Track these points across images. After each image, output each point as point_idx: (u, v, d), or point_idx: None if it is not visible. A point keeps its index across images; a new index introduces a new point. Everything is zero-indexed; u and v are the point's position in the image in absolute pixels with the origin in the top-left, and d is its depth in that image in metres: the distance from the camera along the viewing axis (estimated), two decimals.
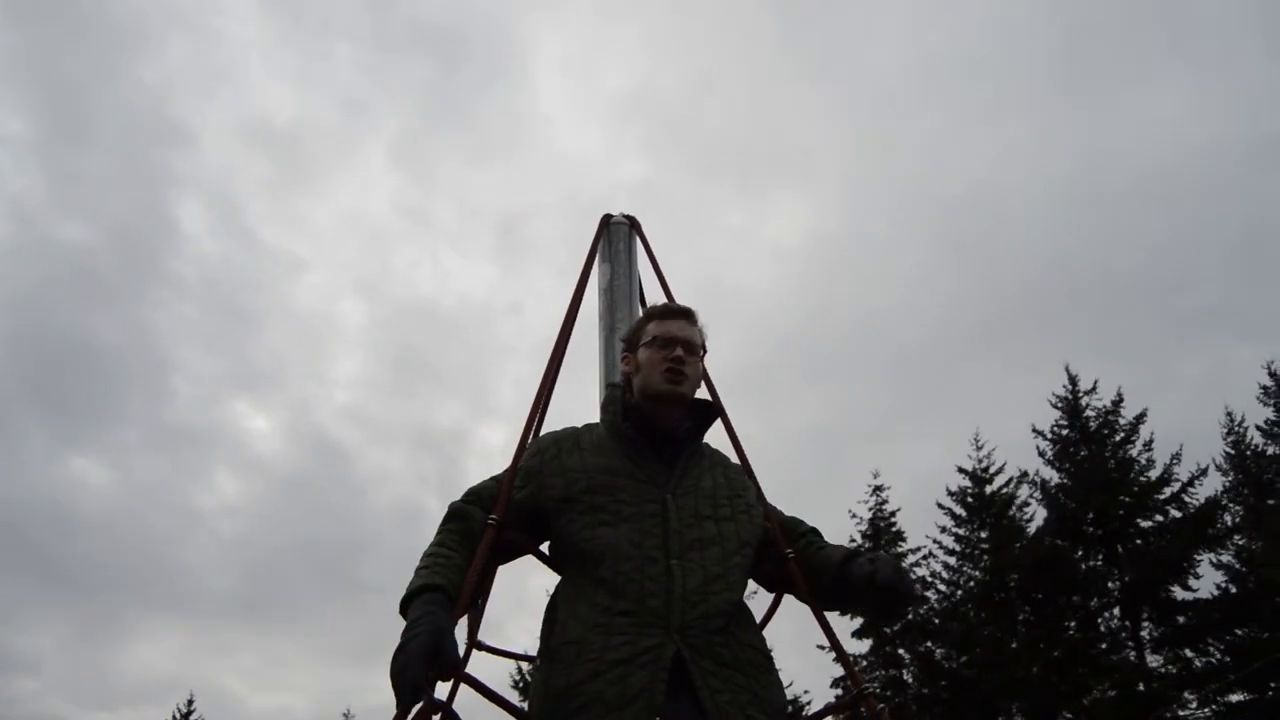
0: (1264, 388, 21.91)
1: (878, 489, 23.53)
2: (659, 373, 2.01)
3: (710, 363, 2.21)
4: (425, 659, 1.57)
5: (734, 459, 2.27)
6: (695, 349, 2.08)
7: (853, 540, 22.57)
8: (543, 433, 2.20)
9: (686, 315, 2.13)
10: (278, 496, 52.72)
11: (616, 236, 2.84)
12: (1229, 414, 22.11)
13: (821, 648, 20.19)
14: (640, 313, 2.55)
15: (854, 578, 1.92)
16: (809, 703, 22.16)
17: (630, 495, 1.89)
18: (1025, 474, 21.84)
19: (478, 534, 1.91)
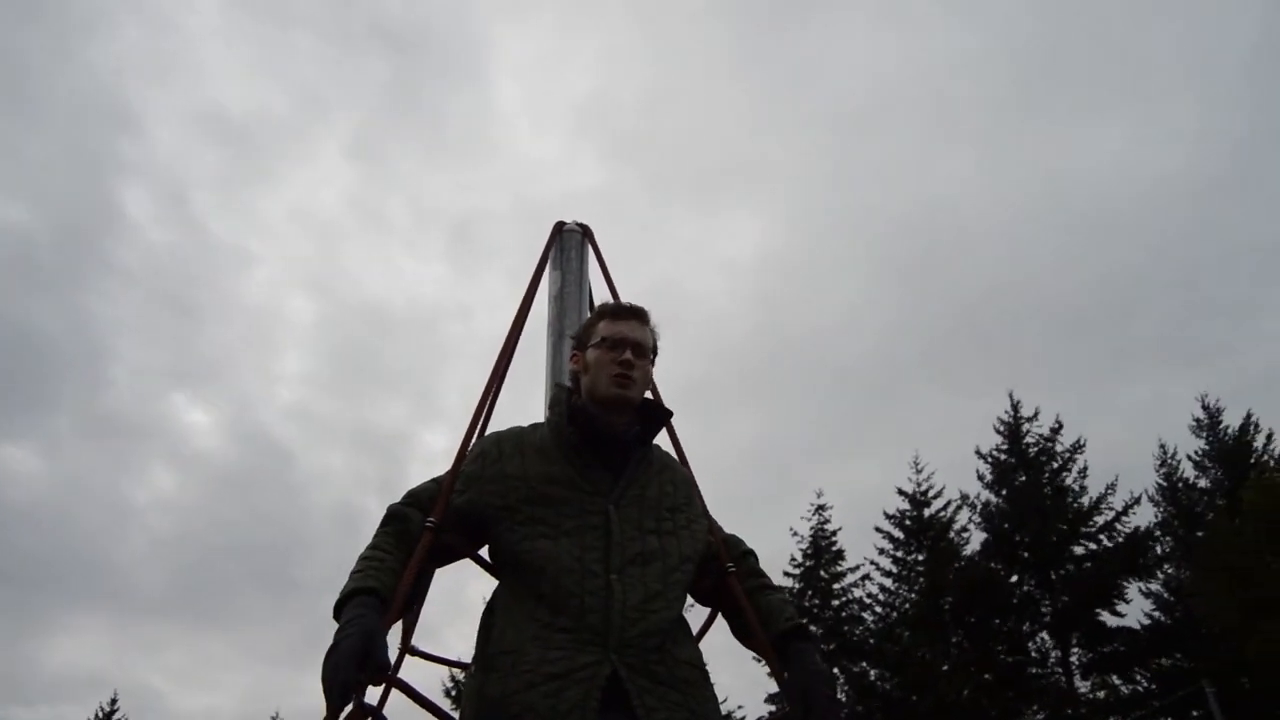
0: (1196, 419, 22.84)
1: (820, 508, 23.91)
2: (606, 375, 2.01)
3: (657, 371, 2.23)
4: (356, 661, 1.59)
5: None
6: (646, 351, 2.08)
7: (793, 560, 22.87)
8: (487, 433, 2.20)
9: (639, 315, 2.12)
10: (214, 493, 52.13)
11: (569, 244, 2.88)
12: (1162, 446, 23.01)
13: (758, 660, 20.41)
14: None
15: (783, 684, 1.98)
16: (743, 718, 22.37)
17: (572, 507, 1.89)
18: (965, 496, 22.40)
19: (415, 536, 1.92)
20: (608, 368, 2.02)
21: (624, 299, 2.72)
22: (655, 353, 2.15)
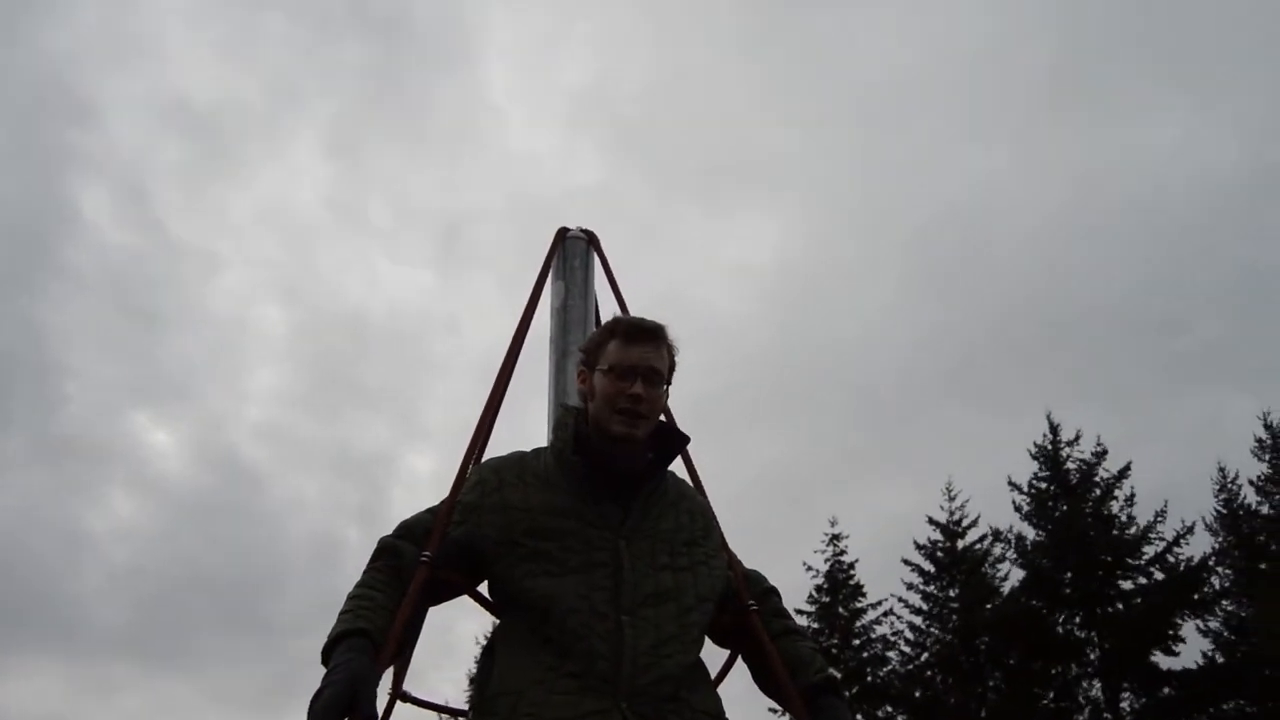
0: (1259, 440, 22.24)
1: (835, 538, 23.80)
2: (612, 410, 1.97)
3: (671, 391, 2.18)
4: (339, 710, 1.59)
5: None
6: (659, 379, 2.01)
7: (810, 596, 22.76)
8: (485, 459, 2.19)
9: (655, 337, 2.04)
10: (178, 521, 51.65)
11: (572, 252, 2.88)
12: (1221, 469, 22.59)
13: (774, 711, 20.28)
14: None
15: None
16: None
17: (578, 541, 1.88)
18: (999, 532, 22.24)
19: (408, 572, 1.90)
20: (614, 400, 1.97)
21: (630, 309, 2.74)
22: (672, 373, 2.09)
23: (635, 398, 1.96)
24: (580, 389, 2.11)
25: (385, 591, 1.86)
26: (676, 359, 2.11)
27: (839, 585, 23.08)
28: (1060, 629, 20.73)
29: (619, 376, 1.98)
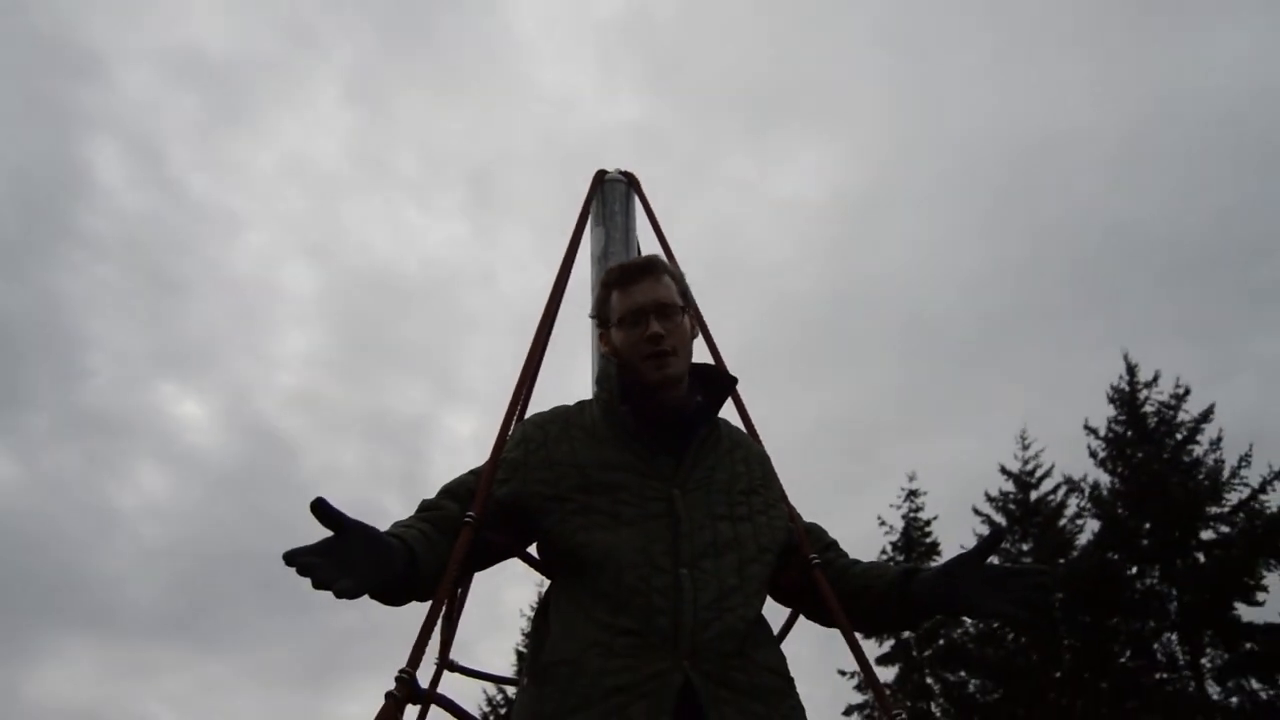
0: None
1: (913, 493, 23.58)
2: (639, 358, 1.96)
3: (714, 331, 2.17)
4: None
5: None
6: (672, 309, 1.99)
7: (884, 554, 22.68)
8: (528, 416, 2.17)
9: (650, 270, 2.04)
10: (211, 495, 52.07)
11: (612, 196, 2.85)
12: None
13: (843, 673, 20.36)
14: None
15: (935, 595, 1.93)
16: None
17: (631, 494, 1.86)
18: (1074, 481, 21.93)
19: (451, 526, 1.86)
20: (637, 348, 1.96)
21: (677, 255, 2.70)
22: (688, 299, 2.07)
23: (655, 337, 1.95)
24: (604, 351, 2.09)
25: (426, 528, 1.83)
26: (687, 284, 2.09)
27: (914, 543, 22.92)
28: (1138, 583, 20.46)
29: (632, 324, 1.98)
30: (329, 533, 1.59)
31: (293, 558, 1.52)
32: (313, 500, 1.56)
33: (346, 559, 1.57)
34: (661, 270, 2.06)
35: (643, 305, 1.98)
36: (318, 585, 1.51)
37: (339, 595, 1.52)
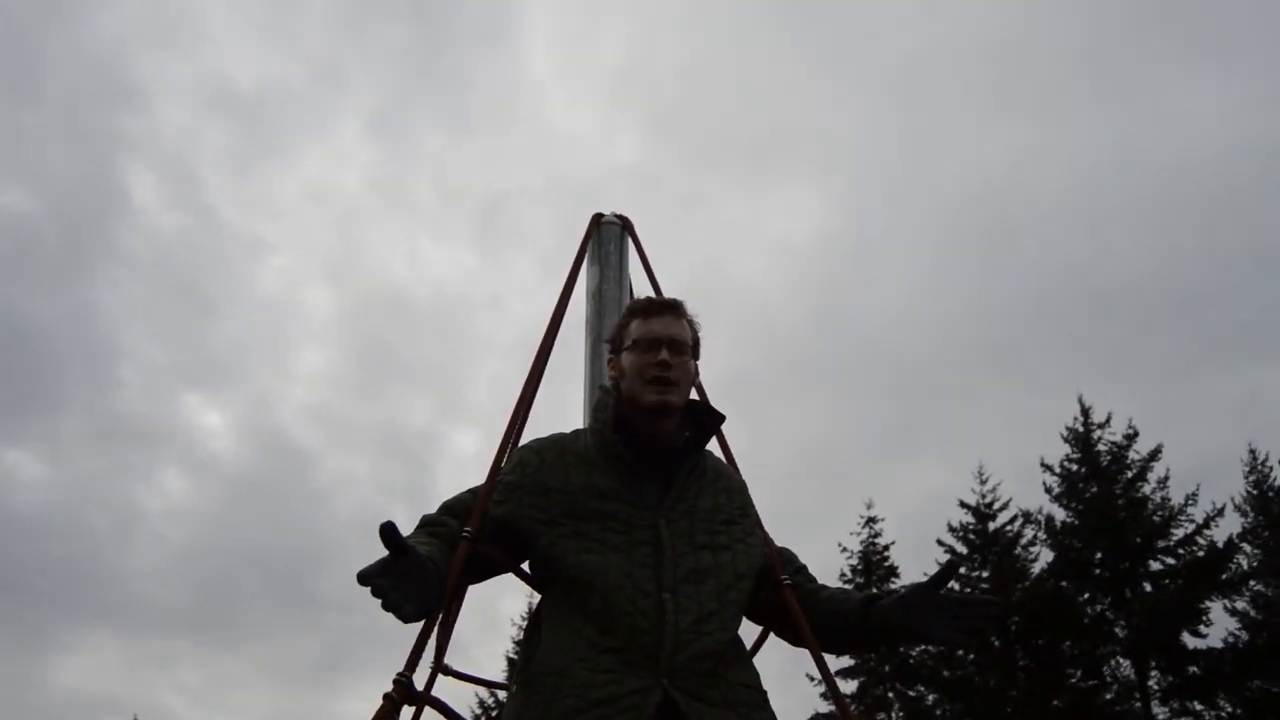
0: None
1: (870, 520, 23.73)
2: (643, 381, 1.99)
3: (701, 367, 2.21)
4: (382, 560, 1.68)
5: None
6: (684, 347, 2.05)
7: (843, 575, 22.76)
8: (523, 441, 2.21)
9: (673, 309, 2.10)
10: (230, 500, 52.18)
11: (607, 237, 2.91)
12: (1252, 451, 22.38)
13: (811, 678, 20.33)
14: None
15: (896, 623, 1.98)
16: None
17: (619, 521, 1.90)
18: (1029, 514, 22.10)
19: (451, 540, 1.93)
20: (644, 371, 2.00)
21: (666, 290, 2.78)
22: (697, 347, 2.13)
23: (663, 364, 1.99)
24: (611, 374, 2.14)
25: (429, 541, 1.90)
26: (699, 334, 2.15)
27: (873, 567, 23.00)
28: (1089, 609, 20.60)
29: (645, 349, 2.02)
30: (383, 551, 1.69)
31: (366, 578, 1.65)
32: (383, 523, 1.67)
33: (406, 583, 1.71)
34: (683, 313, 2.12)
35: (659, 335, 2.03)
36: (386, 608, 1.67)
37: (403, 621, 1.70)
